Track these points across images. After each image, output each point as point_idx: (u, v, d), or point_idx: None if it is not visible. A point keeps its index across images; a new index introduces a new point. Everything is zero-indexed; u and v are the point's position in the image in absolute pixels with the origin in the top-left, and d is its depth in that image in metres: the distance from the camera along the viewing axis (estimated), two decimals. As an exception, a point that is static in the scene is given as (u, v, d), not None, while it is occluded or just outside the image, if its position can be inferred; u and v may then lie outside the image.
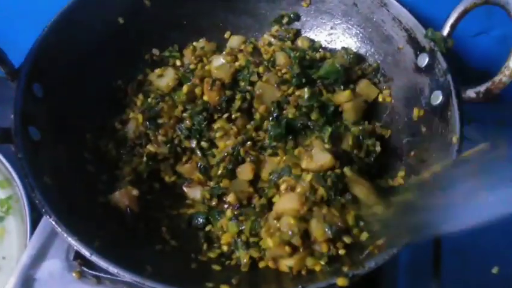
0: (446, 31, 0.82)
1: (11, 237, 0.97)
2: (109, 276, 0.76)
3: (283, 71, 0.90)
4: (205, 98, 0.89)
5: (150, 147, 0.85)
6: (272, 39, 0.97)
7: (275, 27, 0.99)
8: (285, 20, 0.99)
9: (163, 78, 0.94)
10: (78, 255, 0.78)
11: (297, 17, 0.99)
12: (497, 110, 1.04)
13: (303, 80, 0.88)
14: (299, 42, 0.97)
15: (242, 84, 0.91)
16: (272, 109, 0.87)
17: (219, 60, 0.93)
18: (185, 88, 0.90)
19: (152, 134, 0.87)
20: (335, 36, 0.97)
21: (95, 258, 0.65)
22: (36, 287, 0.79)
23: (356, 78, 0.92)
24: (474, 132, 1.01)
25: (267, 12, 1.00)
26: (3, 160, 0.97)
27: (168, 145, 0.86)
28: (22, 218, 0.93)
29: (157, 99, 0.90)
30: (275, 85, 0.89)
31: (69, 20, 0.85)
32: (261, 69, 0.91)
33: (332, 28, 0.96)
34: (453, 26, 0.82)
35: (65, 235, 0.66)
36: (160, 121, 0.88)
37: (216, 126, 0.87)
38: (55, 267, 0.80)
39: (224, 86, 0.89)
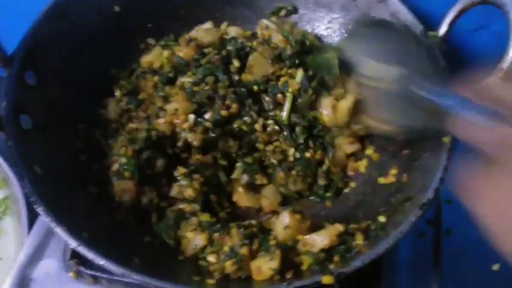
0: (443, 29, 0.82)
1: (8, 238, 0.96)
2: (105, 275, 0.76)
3: (278, 50, 0.88)
4: (180, 54, 0.88)
5: (131, 125, 0.84)
6: (269, 24, 0.96)
7: (273, 19, 0.98)
8: (282, 13, 0.98)
9: (147, 55, 0.94)
10: (74, 255, 0.78)
11: (295, 10, 0.98)
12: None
13: (297, 61, 0.87)
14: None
15: (229, 48, 0.89)
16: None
17: (207, 24, 0.94)
18: (165, 53, 0.90)
19: (134, 110, 0.86)
20: (332, 31, 0.96)
21: (82, 249, 0.65)
22: (32, 286, 0.79)
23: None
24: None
25: (264, 4, 0.99)
26: (0, 160, 0.96)
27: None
28: (19, 219, 0.93)
29: (139, 76, 0.90)
30: (269, 60, 0.87)
31: (64, 7, 0.84)
32: (255, 43, 0.90)
33: (329, 22, 0.96)
34: (451, 24, 0.82)
35: (53, 225, 0.66)
36: (140, 97, 0.87)
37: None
38: (52, 266, 0.80)
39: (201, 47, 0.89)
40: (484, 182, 0.48)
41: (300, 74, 0.85)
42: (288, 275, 0.67)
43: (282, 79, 0.85)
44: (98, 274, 0.77)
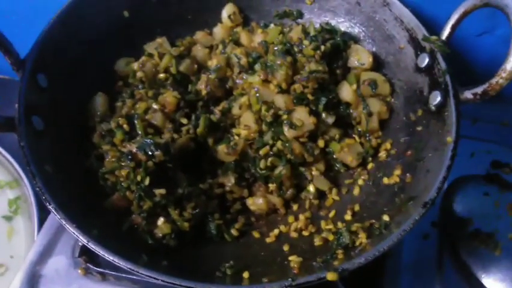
0: (446, 32, 0.83)
1: (19, 237, 0.99)
2: (113, 272, 0.77)
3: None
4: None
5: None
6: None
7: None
8: (288, 17, 1.00)
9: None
10: (83, 252, 0.80)
11: (300, 15, 0.99)
12: (502, 110, 1.04)
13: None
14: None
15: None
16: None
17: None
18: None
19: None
20: (337, 35, 0.97)
21: (92, 246, 0.66)
22: (42, 283, 0.81)
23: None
24: (479, 132, 1.02)
25: (271, 8, 1.01)
26: (12, 161, 0.98)
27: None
28: (30, 218, 0.95)
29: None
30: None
31: (75, 13, 0.87)
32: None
33: (334, 26, 0.97)
34: (454, 27, 0.83)
35: (64, 222, 0.67)
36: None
37: None
38: (61, 263, 0.82)
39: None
40: None
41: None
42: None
43: None
44: (106, 271, 0.78)
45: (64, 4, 0.86)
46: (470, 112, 0.94)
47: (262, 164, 0.83)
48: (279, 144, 0.83)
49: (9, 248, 0.98)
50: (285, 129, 0.83)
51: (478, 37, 0.95)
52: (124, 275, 0.77)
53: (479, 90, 0.76)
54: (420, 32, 0.85)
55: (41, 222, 0.90)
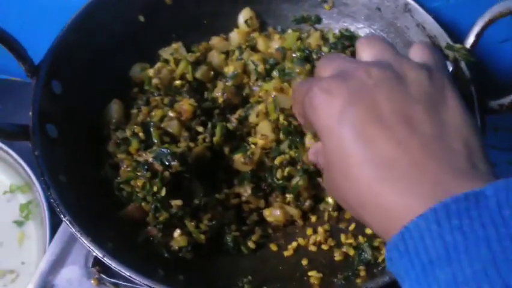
0: (471, 40, 0.80)
1: (30, 243, 0.97)
2: (128, 284, 0.76)
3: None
4: None
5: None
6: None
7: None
8: (306, 22, 0.97)
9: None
10: (96, 262, 0.78)
11: (319, 20, 0.97)
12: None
13: None
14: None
15: None
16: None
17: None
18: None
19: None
20: (357, 41, 0.95)
21: (107, 260, 0.65)
22: (54, 293, 0.80)
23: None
24: (501, 141, 1.00)
25: (288, 13, 0.98)
26: (24, 165, 0.97)
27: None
28: (42, 224, 0.94)
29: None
30: None
31: (90, 18, 0.85)
32: None
33: (354, 32, 0.95)
34: (478, 35, 0.80)
35: (79, 235, 0.66)
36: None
37: None
38: (74, 273, 0.81)
39: None
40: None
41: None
42: None
43: None
44: (120, 282, 0.77)
45: (78, 9, 0.84)
46: (491, 120, 0.91)
47: (279, 174, 0.81)
48: (293, 153, 0.81)
49: (20, 254, 0.97)
50: (307, 140, 0.81)
51: (501, 44, 0.93)
52: (137, 286, 0.75)
53: (506, 101, 0.74)
54: (444, 39, 0.82)
55: (53, 227, 0.89)
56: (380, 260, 0.69)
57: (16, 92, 1.13)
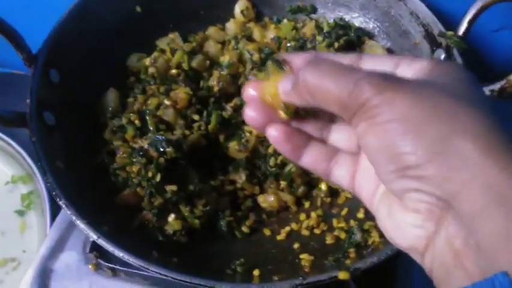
0: (463, 27, 0.81)
1: (31, 232, 0.99)
2: (124, 268, 0.77)
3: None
4: None
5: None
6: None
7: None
8: (302, 12, 0.98)
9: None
10: (94, 248, 0.79)
11: (314, 10, 0.98)
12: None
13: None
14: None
15: None
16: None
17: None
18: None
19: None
20: (351, 30, 0.96)
21: (102, 242, 0.66)
22: (53, 277, 0.80)
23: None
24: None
25: (284, 3, 1.00)
26: (26, 156, 0.98)
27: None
28: (43, 213, 0.95)
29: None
30: None
31: (87, 7, 0.86)
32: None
33: (348, 21, 0.95)
34: (471, 22, 0.81)
35: (75, 218, 0.67)
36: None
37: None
38: (72, 259, 0.82)
39: None
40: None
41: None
42: None
43: None
44: (117, 267, 0.78)
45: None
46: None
47: (272, 161, 0.82)
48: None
49: (22, 243, 0.98)
50: None
51: (495, 33, 0.93)
52: (134, 271, 0.77)
53: (496, 87, 0.75)
54: (437, 27, 0.83)
55: (54, 217, 0.90)
56: (369, 242, 0.70)
57: (17, 85, 1.14)
